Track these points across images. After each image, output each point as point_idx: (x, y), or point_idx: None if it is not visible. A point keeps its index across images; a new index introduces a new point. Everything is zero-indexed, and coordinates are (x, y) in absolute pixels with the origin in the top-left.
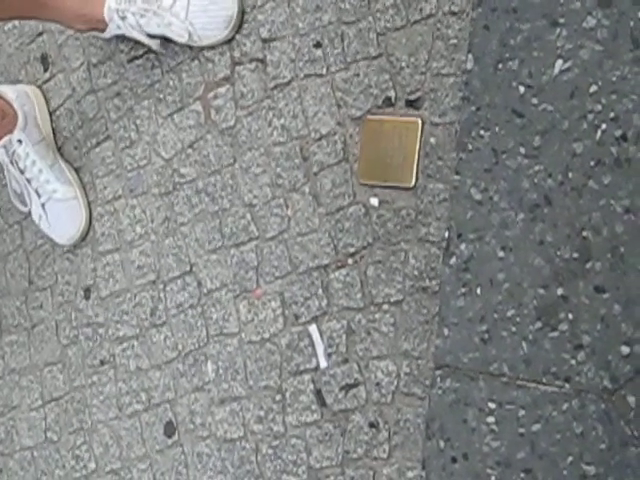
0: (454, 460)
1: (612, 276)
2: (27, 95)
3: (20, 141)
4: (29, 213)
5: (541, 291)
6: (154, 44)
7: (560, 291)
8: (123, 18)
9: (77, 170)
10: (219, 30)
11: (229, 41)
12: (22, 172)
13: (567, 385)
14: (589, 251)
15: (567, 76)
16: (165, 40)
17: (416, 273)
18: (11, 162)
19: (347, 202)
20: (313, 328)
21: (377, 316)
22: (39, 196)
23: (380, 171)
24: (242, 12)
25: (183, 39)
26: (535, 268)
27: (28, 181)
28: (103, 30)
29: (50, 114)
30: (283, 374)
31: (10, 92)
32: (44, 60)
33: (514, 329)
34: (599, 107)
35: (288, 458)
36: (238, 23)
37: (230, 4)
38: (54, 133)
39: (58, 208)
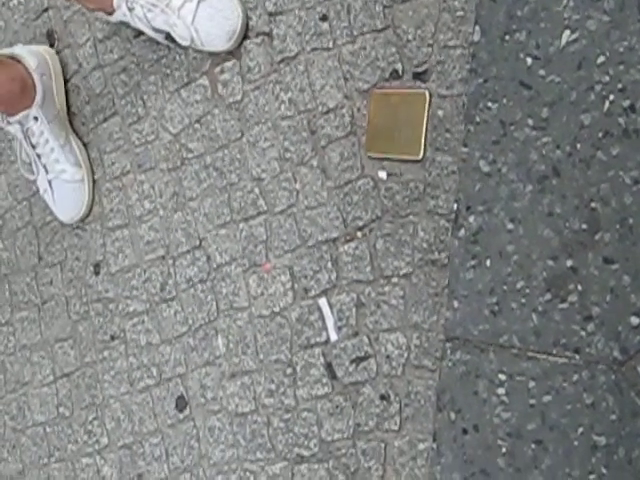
0: (465, 432)
1: (621, 247)
2: (46, 62)
3: (36, 118)
4: (35, 182)
5: (550, 263)
6: (159, 37)
7: (569, 262)
8: (131, 9)
9: (85, 145)
10: (222, 41)
11: None
12: (34, 147)
13: (577, 356)
14: (598, 222)
15: (574, 47)
16: (169, 35)
17: (425, 246)
18: (24, 137)
19: (355, 175)
20: (323, 301)
21: (387, 289)
22: (47, 172)
23: (388, 144)
24: (246, 26)
25: (185, 42)
26: (544, 240)
27: (38, 156)
28: (111, 14)
29: (65, 82)
30: (293, 347)
31: (31, 59)
32: (50, 36)
33: (524, 301)
34: (607, 78)
35: (300, 431)
36: (241, 36)
37: (235, 17)
38: (67, 103)
39: (64, 188)
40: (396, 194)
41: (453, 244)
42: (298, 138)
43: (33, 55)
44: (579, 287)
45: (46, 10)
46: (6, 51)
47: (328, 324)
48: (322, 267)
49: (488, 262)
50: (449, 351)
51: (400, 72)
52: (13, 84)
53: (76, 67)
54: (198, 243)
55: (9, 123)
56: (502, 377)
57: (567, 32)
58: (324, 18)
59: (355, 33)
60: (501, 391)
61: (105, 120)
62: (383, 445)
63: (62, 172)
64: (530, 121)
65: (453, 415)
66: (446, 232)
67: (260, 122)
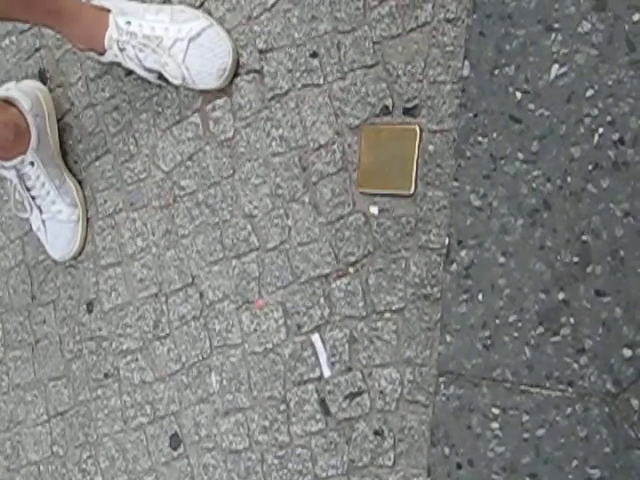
0: (459, 466)
1: (613, 280)
2: (39, 101)
3: (32, 163)
4: (27, 219)
5: (542, 296)
6: (151, 77)
7: (561, 295)
8: (122, 49)
9: (80, 184)
10: (212, 79)
11: None
12: (28, 190)
13: (570, 389)
14: (589, 255)
15: (563, 81)
16: (161, 75)
17: (417, 280)
18: (20, 181)
19: (347, 211)
20: (316, 337)
21: (379, 324)
22: (41, 212)
23: (379, 179)
24: (237, 64)
25: (177, 81)
26: (536, 273)
27: (33, 198)
28: (102, 54)
29: (57, 120)
30: (287, 384)
31: (24, 101)
32: (42, 75)
33: (516, 334)
34: (596, 111)
35: (294, 468)
36: (232, 74)
37: (226, 55)
38: (60, 141)
39: (59, 228)
40: (388, 229)
41: (445, 278)
42: (290, 174)
43: (26, 95)
44: (571, 320)
45: (38, 50)
46: None
47: (321, 360)
48: (315, 303)
49: (480, 296)
50: (442, 386)
51: (390, 108)
52: (6, 130)
53: (68, 106)
54: (191, 280)
55: (4, 168)
56: (495, 411)
57: (556, 66)
58: (314, 55)
59: (345, 69)
60: (495, 425)
61: (97, 158)
62: None
63: (58, 213)
64: (520, 155)
65: (447, 450)
66: (438, 266)
67: (252, 159)
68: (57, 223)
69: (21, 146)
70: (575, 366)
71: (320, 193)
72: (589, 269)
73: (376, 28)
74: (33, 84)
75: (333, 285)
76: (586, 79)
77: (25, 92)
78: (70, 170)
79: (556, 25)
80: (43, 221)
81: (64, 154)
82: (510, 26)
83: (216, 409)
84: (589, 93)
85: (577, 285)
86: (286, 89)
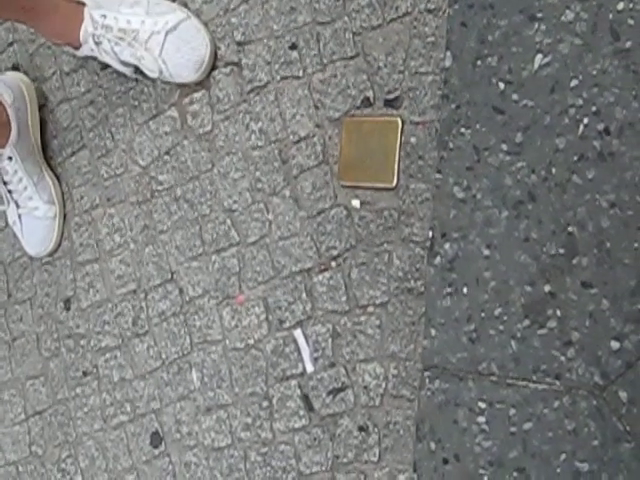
0: (446, 461)
1: (599, 271)
2: (22, 93)
3: (10, 158)
4: (4, 212)
5: (528, 288)
6: (127, 71)
7: (547, 288)
8: (98, 43)
9: (59, 179)
10: (190, 72)
11: None
12: (5, 184)
13: (558, 382)
14: (575, 247)
15: (547, 71)
16: (137, 68)
17: (401, 274)
18: None
19: (328, 205)
20: (298, 333)
21: (362, 319)
22: (18, 207)
23: (361, 172)
24: (214, 56)
25: (154, 74)
26: (521, 265)
27: (10, 192)
28: (77, 48)
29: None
30: (269, 380)
31: (6, 94)
32: (16, 70)
33: (502, 327)
34: (580, 101)
35: (277, 465)
36: (210, 67)
37: (203, 48)
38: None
39: (35, 224)
40: (370, 223)
41: (429, 272)
42: (269, 168)
43: (8, 88)
44: (558, 312)
45: (11, 44)
46: None
47: (304, 355)
48: (297, 298)
49: (465, 289)
50: (427, 380)
51: (371, 99)
52: None
53: (43, 101)
54: (170, 276)
55: None
56: (482, 405)
57: (539, 56)
58: (293, 47)
59: (325, 61)
60: (481, 419)
61: (73, 154)
62: (363, 477)
63: (35, 209)
64: (504, 146)
65: (433, 445)
66: (422, 260)
67: (231, 153)
68: (33, 219)
69: (0, 140)
70: (562, 359)
71: (301, 187)
72: (575, 261)
73: (356, 19)
74: (16, 75)
75: (315, 279)
76: (570, 69)
77: (7, 84)
78: (48, 165)
79: (539, 14)
80: (19, 215)
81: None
82: (492, 16)
83: (197, 406)
84: (573, 83)
85: (563, 277)
86: (265, 81)
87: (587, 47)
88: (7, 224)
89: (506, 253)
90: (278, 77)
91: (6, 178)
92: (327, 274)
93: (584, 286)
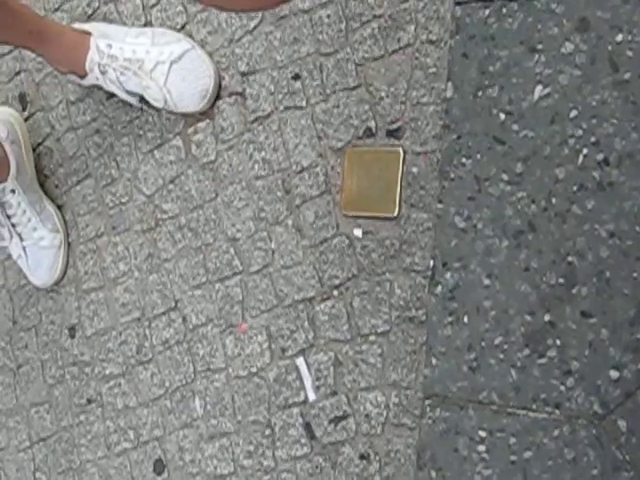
0: None
1: (599, 301)
2: (13, 127)
3: (13, 191)
4: (5, 248)
5: (528, 318)
6: (133, 100)
7: (547, 317)
8: (104, 73)
9: (60, 208)
10: (194, 101)
11: None
12: (9, 217)
13: (557, 411)
14: (575, 276)
15: (547, 102)
16: (143, 98)
17: (402, 303)
18: (0, 209)
19: (331, 234)
20: (300, 361)
21: (364, 347)
22: (22, 239)
23: (363, 202)
24: (219, 86)
25: (159, 104)
26: (521, 295)
27: (13, 225)
28: (83, 77)
29: (38, 144)
30: (272, 408)
31: (0, 129)
32: (22, 99)
33: (502, 357)
34: (580, 132)
35: None
36: (214, 96)
37: (207, 78)
38: (36, 166)
39: (41, 254)
40: (372, 252)
41: (430, 301)
42: (273, 197)
43: (1, 123)
44: (557, 342)
45: (18, 73)
46: None
47: (306, 384)
48: (299, 326)
49: (466, 318)
50: (428, 409)
51: (374, 130)
52: None
53: (49, 130)
54: (174, 304)
55: None
56: (482, 434)
57: (539, 87)
58: (296, 77)
59: (328, 91)
60: (481, 448)
61: (79, 182)
62: None
63: (40, 239)
64: (505, 176)
65: (434, 473)
66: (423, 289)
67: (234, 182)
68: (39, 249)
69: (1, 174)
70: (562, 388)
71: (303, 216)
72: (575, 290)
73: (358, 50)
74: (5, 110)
75: (317, 308)
76: (570, 100)
77: (1, 120)
78: (50, 195)
79: (539, 46)
80: (24, 248)
81: (45, 178)
82: (493, 47)
83: (200, 434)
84: (573, 114)
85: (563, 306)
86: (268, 111)
87: (586, 78)
88: (11, 256)
89: (506, 282)
90: (281, 107)
91: (10, 212)
92: (329, 303)
93: (584, 315)
